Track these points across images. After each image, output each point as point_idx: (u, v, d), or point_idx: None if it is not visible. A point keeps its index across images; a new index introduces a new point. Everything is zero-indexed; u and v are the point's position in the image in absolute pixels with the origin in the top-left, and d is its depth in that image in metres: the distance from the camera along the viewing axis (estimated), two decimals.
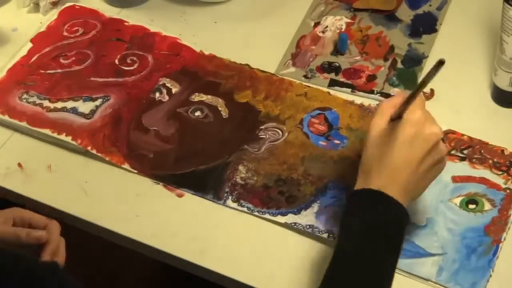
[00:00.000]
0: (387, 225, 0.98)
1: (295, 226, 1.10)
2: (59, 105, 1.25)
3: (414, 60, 1.28)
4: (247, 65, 1.29)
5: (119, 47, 1.32)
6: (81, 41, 1.34)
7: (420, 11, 1.35)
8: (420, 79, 1.25)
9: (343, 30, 1.33)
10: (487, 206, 1.10)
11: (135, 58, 1.31)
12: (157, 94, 1.26)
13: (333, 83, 1.26)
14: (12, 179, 1.18)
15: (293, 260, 1.08)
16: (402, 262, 1.06)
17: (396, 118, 0.99)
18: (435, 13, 1.34)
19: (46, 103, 1.25)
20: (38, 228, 1.08)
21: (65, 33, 1.35)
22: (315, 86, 1.25)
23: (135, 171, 1.17)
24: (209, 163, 1.17)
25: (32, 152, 1.21)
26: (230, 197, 1.13)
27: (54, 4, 1.39)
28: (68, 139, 1.21)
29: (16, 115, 1.24)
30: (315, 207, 1.12)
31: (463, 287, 1.03)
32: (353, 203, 1.01)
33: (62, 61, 1.31)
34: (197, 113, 1.23)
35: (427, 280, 1.05)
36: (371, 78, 1.26)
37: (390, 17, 1.34)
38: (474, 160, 1.15)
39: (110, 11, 1.38)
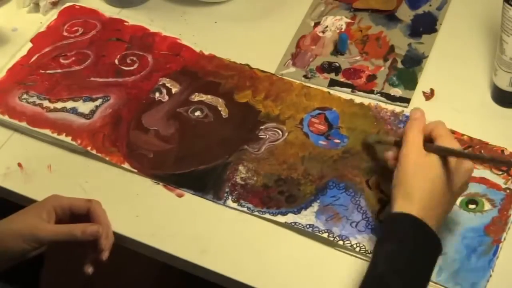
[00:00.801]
0: (425, 256, 1.01)
1: (295, 226, 1.10)
2: (59, 105, 1.25)
3: (414, 60, 1.28)
4: (247, 65, 1.29)
5: (119, 47, 1.32)
6: (81, 41, 1.33)
7: (420, 11, 1.35)
8: (419, 78, 1.25)
9: (343, 30, 1.33)
10: (487, 206, 1.10)
11: (135, 58, 1.31)
12: (157, 94, 1.26)
13: (333, 83, 1.26)
14: (12, 179, 1.18)
15: (293, 260, 1.08)
16: None
17: (433, 151, 1.04)
18: (435, 13, 1.34)
19: (46, 103, 1.25)
20: (81, 213, 1.08)
21: (65, 33, 1.35)
22: (315, 86, 1.25)
23: (135, 170, 1.17)
24: (209, 163, 1.17)
25: (32, 152, 1.21)
26: (230, 197, 1.13)
27: (54, 4, 1.39)
28: (68, 139, 1.21)
29: (16, 115, 1.24)
30: (315, 206, 1.12)
31: (463, 287, 1.03)
32: (395, 227, 1.02)
33: (62, 61, 1.31)
34: (197, 113, 1.23)
35: None
36: (371, 78, 1.26)
37: (390, 17, 1.34)
38: (474, 160, 1.15)
39: (110, 11, 1.38)
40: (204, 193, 1.14)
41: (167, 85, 1.27)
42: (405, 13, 1.34)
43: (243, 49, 1.31)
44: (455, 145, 1.05)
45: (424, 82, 1.25)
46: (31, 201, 1.16)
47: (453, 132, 1.18)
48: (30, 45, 1.33)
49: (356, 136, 1.19)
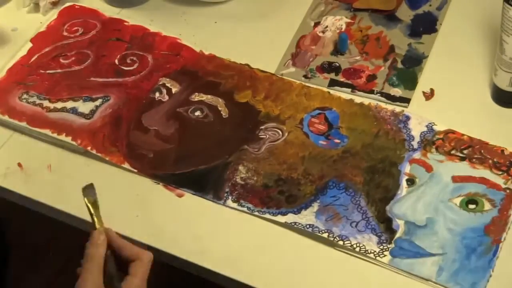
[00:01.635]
0: None
1: (295, 226, 1.10)
2: (59, 105, 1.25)
3: (414, 60, 1.28)
4: (247, 65, 1.29)
5: (119, 47, 1.32)
6: (81, 41, 1.33)
7: (420, 11, 1.35)
8: (419, 78, 1.25)
9: (343, 30, 1.33)
10: (487, 206, 1.10)
11: (135, 58, 1.31)
12: (157, 94, 1.26)
13: (333, 83, 1.26)
14: (12, 179, 1.18)
15: (293, 260, 1.08)
16: (402, 262, 1.06)
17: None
18: (435, 13, 1.34)
19: (46, 103, 1.25)
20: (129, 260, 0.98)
21: (65, 33, 1.35)
22: (315, 86, 1.25)
23: (135, 170, 1.17)
24: (209, 163, 1.17)
25: (32, 152, 1.21)
26: (230, 197, 1.13)
27: (54, 4, 1.39)
28: (68, 139, 1.21)
29: (16, 115, 1.24)
30: (315, 206, 1.12)
31: (463, 287, 1.03)
32: None
33: (62, 61, 1.31)
34: (197, 113, 1.23)
35: (427, 280, 1.05)
36: (371, 78, 1.26)
37: (390, 17, 1.34)
38: (474, 160, 1.15)
39: (110, 11, 1.38)
40: (204, 193, 1.14)
41: (167, 85, 1.27)
42: (405, 13, 1.34)
43: (243, 49, 1.31)
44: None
45: (424, 82, 1.25)
46: (31, 201, 1.16)
47: (453, 132, 1.18)
48: (30, 45, 1.33)
49: (356, 136, 1.19)
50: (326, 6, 1.37)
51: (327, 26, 1.34)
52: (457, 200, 1.11)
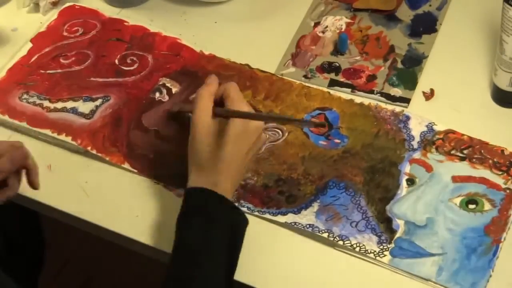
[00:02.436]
0: (228, 228, 1.03)
1: (295, 226, 1.10)
2: (59, 105, 1.25)
3: (414, 60, 1.28)
4: (247, 65, 1.29)
5: (119, 47, 1.32)
6: (81, 41, 1.34)
7: (420, 11, 1.35)
8: (419, 78, 1.25)
9: (343, 30, 1.33)
10: (487, 206, 1.10)
11: (135, 58, 1.31)
12: (157, 94, 1.26)
13: (333, 83, 1.26)
14: None
15: (293, 260, 1.08)
16: (402, 262, 1.06)
17: (222, 116, 1.06)
18: (435, 13, 1.34)
19: (46, 103, 1.25)
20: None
21: (65, 33, 1.35)
22: (315, 86, 1.25)
23: (135, 170, 1.17)
24: None
25: (32, 152, 1.20)
26: None
27: (54, 4, 1.39)
28: (68, 139, 1.21)
29: (16, 115, 1.24)
30: (315, 206, 1.12)
31: (463, 287, 1.03)
32: (191, 202, 1.04)
33: (62, 61, 1.31)
34: None
35: (427, 280, 1.05)
36: (371, 78, 1.26)
37: (390, 17, 1.34)
38: (474, 160, 1.15)
39: (110, 11, 1.38)
40: None
41: (167, 85, 1.27)
42: (405, 13, 1.34)
43: (243, 49, 1.31)
44: (243, 107, 1.07)
45: (424, 82, 1.25)
46: (31, 201, 1.16)
47: (453, 132, 1.18)
48: (30, 45, 1.33)
49: (356, 136, 1.19)
50: (326, 6, 1.37)
51: (327, 26, 1.34)
52: (457, 200, 1.11)
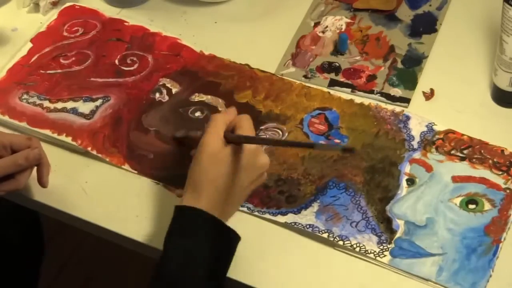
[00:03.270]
0: (217, 249, 1.02)
1: (295, 226, 1.10)
2: (59, 105, 1.25)
3: (414, 60, 1.28)
4: (247, 65, 1.29)
5: (119, 47, 1.32)
6: (81, 41, 1.34)
7: (420, 11, 1.35)
8: (419, 78, 1.25)
9: (343, 30, 1.33)
10: (487, 206, 1.10)
11: (135, 58, 1.31)
12: (157, 95, 1.26)
13: (333, 83, 1.26)
14: None
15: (293, 260, 1.08)
16: (402, 262, 1.06)
17: (234, 142, 1.04)
18: (435, 13, 1.34)
19: (46, 103, 1.25)
20: (21, 150, 1.09)
21: (65, 33, 1.35)
22: (315, 86, 1.25)
23: (135, 171, 1.17)
24: None
25: None
26: None
27: (54, 4, 1.39)
28: (68, 139, 1.21)
29: (16, 115, 1.24)
30: (315, 206, 1.12)
31: (463, 287, 1.03)
32: (184, 221, 1.03)
33: (62, 61, 1.31)
34: (197, 114, 1.23)
35: (427, 280, 1.05)
36: (371, 78, 1.26)
37: (390, 17, 1.34)
38: (474, 160, 1.15)
39: (110, 11, 1.38)
40: None
41: (167, 85, 1.27)
42: (405, 13, 1.34)
43: (243, 49, 1.31)
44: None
45: (424, 82, 1.25)
46: (31, 202, 1.16)
47: (453, 132, 1.18)
48: (30, 45, 1.33)
49: (356, 136, 1.19)
50: (326, 6, 1.37)
51: (327, 26, 1.34)
52: (457, 200, 1.11)
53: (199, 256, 1.00)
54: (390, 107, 1.22)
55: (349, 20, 1.34)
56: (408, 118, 1.20)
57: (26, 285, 1.48)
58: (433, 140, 1.17)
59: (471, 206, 1.10)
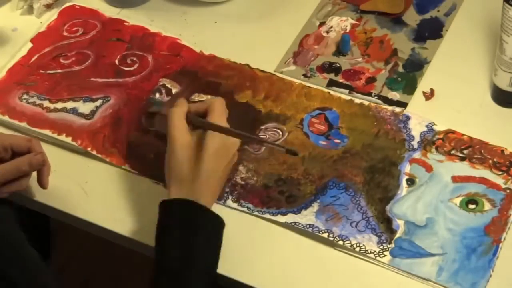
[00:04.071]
0: (208, 237, 1.04)
1: (295, 226, 1.10)
2: (59, 105, 1.25)
3: (415, 64, 1.27)
4: (247, 65, 1.29)
5: (119, 47, 1.32)
6: (81, 41, 1.33)
7: (427, 16, 1.34)
8: (419, 83, 1.25)
9: (347, 31, 1.32)
10: (487, 206, 1.10)
11: (135, 59, 1.31)
12: (157, 95, 1.26)
13: (331, 84, 1.26)
14: None
15: (293, 260, 1.08)
16: (402, 262, 1.06)
17: (199, 126, 1.08)
18: (442, 19, 1.33)
19: (46, 103, 1.25)
20: (22, 151, 1.09)
21: (65, 33, 1.35)
22: (314, 86, 1.25)
23: (135, 172, 1.17)
24: None
25: None
26: (230, 197, 1.13)
27: (48, 7, 1.38)
28: (68, 139, 1.21)
29: (16, 115, 1.24)
30: (315, 206, 1.12)
31: (463, 287, 1.03)
32: (172, 214, 1.05)
33: (62, 61, 1.31)
34: None
35: (427, 280, 1.05)
36: (370, 80, 1.26)
37: (396, 21, 1.33)
38: (474, 160, 1.15)
39: (110, 11, 1.38)
40: None
41: (167, 85, 1.27)
42: (412, 18, 1.33)
43: (243, 49, 1.31)
44: (223, 123, 1.08)
45: (424, 82, 1.25)
46: (31, 202, 1.16)
47: (453, 132, 1.18)
48: (30, 45, 1.33)
49: (356, 136, 1.19)
50: (333, 6, 1.36)
51: (331, 27, 1.33)
52: (457, 200, 1.11)
53: (198, 247, 1.02)
54: (390, 107, 1.22)
55: (354, 22, 1.34)
56: (408, 118, 1.20)
57: None
58: (433, 140, 1.17)
59: (471, 206, 1.10)
